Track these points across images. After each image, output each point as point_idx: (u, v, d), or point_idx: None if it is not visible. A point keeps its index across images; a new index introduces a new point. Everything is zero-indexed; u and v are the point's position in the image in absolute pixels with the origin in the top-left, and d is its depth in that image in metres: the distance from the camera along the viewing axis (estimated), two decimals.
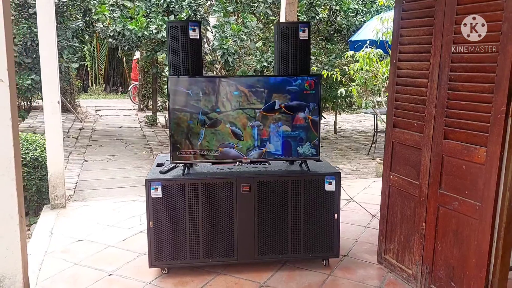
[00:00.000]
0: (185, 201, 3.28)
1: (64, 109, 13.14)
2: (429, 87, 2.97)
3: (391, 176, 3.39)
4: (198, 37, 3.35)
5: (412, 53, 3.12)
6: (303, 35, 3.39)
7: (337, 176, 3.40)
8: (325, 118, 10.41)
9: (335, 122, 11.11)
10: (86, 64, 18.44)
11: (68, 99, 13.04)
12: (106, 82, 19.40)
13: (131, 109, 14.96)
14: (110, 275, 3.43)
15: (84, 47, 12.78)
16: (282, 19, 5.27)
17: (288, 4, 5.17)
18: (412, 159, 3.18)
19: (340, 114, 10.80)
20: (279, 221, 3.39)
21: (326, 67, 8.46)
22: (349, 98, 8.72)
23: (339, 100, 10.01)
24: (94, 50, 18.35)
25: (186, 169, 3.43)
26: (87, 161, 8.06)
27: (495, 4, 2.52)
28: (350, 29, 9.37)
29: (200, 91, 3.30)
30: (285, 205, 3.37)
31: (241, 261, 3.41)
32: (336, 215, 3.43)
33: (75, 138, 10.18)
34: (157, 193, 3.25)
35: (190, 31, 3.31)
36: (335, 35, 9.80)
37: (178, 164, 3.47)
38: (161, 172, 3.37)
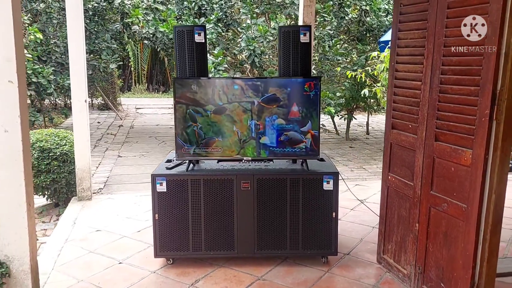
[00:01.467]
0: (188, 196, 3.47)
1: (106, 107, 13.78)
2: (422, 89, 3.00)
3: (389, 177, 3.44)
4: (203, 41, 3.52)
5: (408, 55, 3.16)
6: (304, 38, 3.50)
7: (335, 176, 3.48)
8: (355, 118, 10.36)
9: (367, 123, 11.03)
10: (130, 64, 19.17)
11: (110, 98, 13.64)
12: (148, 82, 20.08)
13: (169, 108, 15.42)
14: (120, 263, 3.67)
15: (124, 48, 13.31)
16: (300, 21, 5.37)
17: (306, 6, 5.27)
18: (407, 160, 3.22)
19: (372, 114, 10.70)
20: (278, 218, 3.51)
21: (355, 68, 8.45)
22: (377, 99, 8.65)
23: (371, 101, 9.95)
24: (137, 51, 19.03)
25: (192, 165, 3.62)
26: (121, 156, 8.46)
27: (481, 8, 2.54)
28: (381, 29, 9.30)
29: (204, 91, 3.47)
30: (284, 202, 3.49)
31: (240, 255, 3.56)
32: (334, 214, 3.52)
33: (114, 135, 10.66)
34: (162, 188, 3.46)
35: (196, 35, 3.49)
36: (367, 35, 9.76)
37: (184, 161, 3.66)
38: (167, 168, 3.58)
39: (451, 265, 2.86)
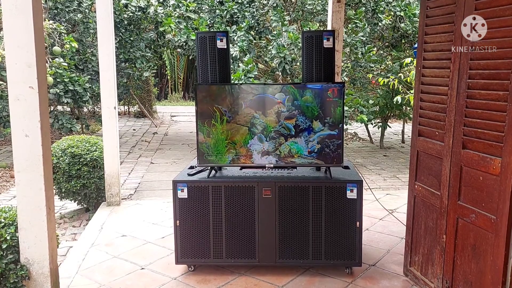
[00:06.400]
0: (209, 203, 3.45)
1: (142, 115, 14.05)
2: (449, 94, 2.88)
3: (416, 186, 3.31)
4: (226, 47, 3.51)
5: (435, 60, 3.04)
6: (327, 43, 3.43)
7: (359, 184, 3.38)
8: (390, 127, 10.11)
9: (402, 131, 10.75)
10: (166, 73, 19.52)
11: (145, 106, 13.91)
12: (184, 90, 20.36)
13: None
14: (142, 268, 3.69)
15: (161, 56, 13.53)
16: (329, 27, 5.30)
17: (335, 12, 5.19)
18: (434, 169, 3.09)
19: (407, 122, 10.41)
20: (300, 226, 3.44)
21: (388, 74, 8.26)
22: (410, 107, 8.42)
23: (407, 108, 9.69)
24: (174, 60, 19.36)
25: (214, 172, 3.61)
26: (153, 163, 8.58)
27: (510, 9, 2.41)
28: (417, 35, 9.06)
29: (226, 97, 3.46)
30: (306, 210, 3.42)
31: (262, 263, 3.50)
32: (358, 223, 3.41)
33: (148, 142, 10.84)
34: (183, 194, 3.45)
35: (218, 41, 3.48)
36: (402, 41, 9.53)
37: (207, 167, 3.65)
38: (188, 174, 3.57)
39: (480, 280, 2.71)
